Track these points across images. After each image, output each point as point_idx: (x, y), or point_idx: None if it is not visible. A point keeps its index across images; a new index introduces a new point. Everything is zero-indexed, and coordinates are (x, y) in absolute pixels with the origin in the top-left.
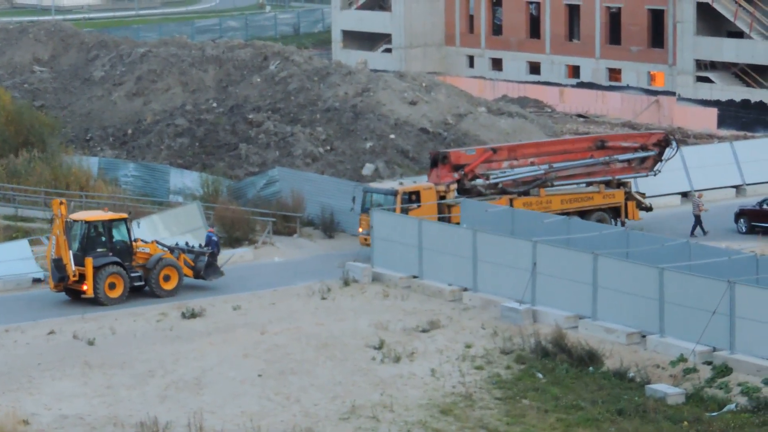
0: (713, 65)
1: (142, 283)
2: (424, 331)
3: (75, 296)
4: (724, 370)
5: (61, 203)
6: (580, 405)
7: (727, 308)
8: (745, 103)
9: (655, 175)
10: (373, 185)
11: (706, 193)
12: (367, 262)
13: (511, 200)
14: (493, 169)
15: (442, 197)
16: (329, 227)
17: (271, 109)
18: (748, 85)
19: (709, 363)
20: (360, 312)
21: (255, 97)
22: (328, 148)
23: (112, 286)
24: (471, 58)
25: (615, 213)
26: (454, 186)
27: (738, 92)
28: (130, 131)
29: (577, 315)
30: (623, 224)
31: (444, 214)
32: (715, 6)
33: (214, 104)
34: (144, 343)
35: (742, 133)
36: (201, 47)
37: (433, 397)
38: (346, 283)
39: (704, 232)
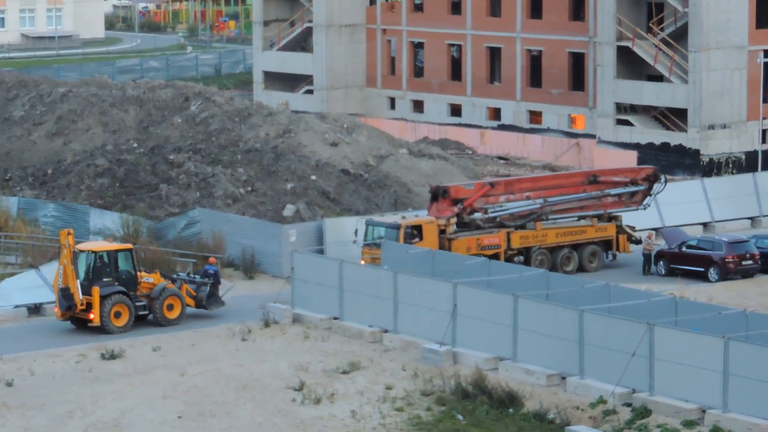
0: (633, 108)
1: (147, 312)
2: (344, 372)
3: (81, 325)
4: (644, 411)
5: (68, 233)
6: None
7: (646, 350)
8: (665, 146)
9: (645, 209)
10: (377, 219)
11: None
12: (288, 303)
13: (508, 233)
14: (490, 203)
15: (443, 231)
16: (250, 268)
17: (192, 150)
18: (668, 128)
19: (629, 405)
20: (280, 353)
21: (176, 137)
22: (249, 189)
23: (118, 315)
24: (392, 100)
25: (606, 246)
26: (454, 220)
27: (657, 135)
28: (50, 171)
29: (498, 356)
30: (614, 257)
31: (444, 247)
32: (635, 50)
33: (135, 144)
34: (63, 385)
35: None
36: (122, 87)
37: None
38: (267, 325)
39: (644, 270)
